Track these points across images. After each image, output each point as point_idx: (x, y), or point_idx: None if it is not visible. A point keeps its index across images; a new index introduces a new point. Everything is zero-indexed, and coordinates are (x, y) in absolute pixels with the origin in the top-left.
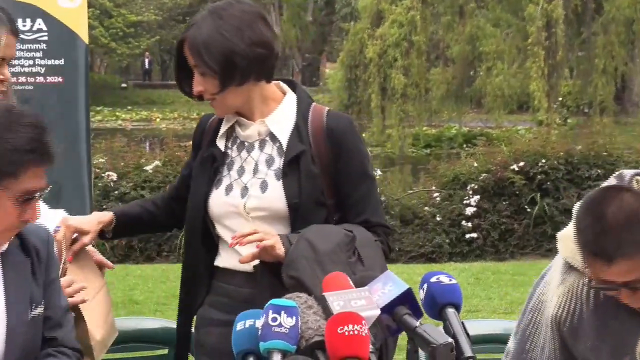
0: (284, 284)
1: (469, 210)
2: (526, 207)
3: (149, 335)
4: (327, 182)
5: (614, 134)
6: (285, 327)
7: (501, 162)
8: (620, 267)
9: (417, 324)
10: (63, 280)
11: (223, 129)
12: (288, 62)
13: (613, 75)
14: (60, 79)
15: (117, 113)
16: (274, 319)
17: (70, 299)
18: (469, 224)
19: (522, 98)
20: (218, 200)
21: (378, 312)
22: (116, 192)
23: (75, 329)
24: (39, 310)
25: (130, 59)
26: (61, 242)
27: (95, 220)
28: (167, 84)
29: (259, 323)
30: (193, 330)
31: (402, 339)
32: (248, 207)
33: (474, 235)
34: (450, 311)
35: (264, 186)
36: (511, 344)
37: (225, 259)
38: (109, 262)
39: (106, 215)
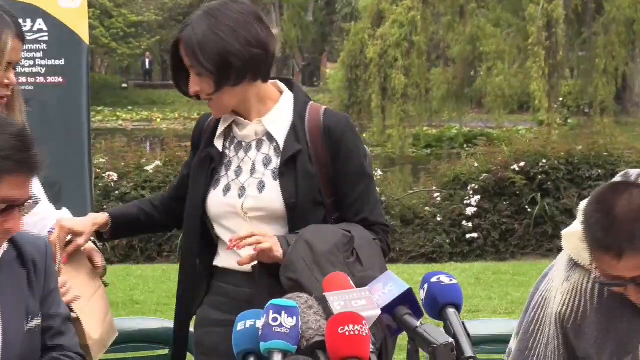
0: (282, 284)
1: (470, 211)
2: (527, 207)
3: (150, 335)
4: (325, 181)
5: (614, 134)
6: (285, 327)
7: (502, 162)
8: (630, 261)
9: (418, 324)
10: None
11: (220, 128)
12: (288, 62)
13: (614, 75)
14: (60, 79)
15: (118, 113)
16: (275, 319)
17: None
18: (470, 224)
19: (522, 98)
20: (216, 201)
21: (379, 312)
22: (117, 192)
23: None
24: (36, 321)
25: (131, 59)
26: (55, 243)
27: (90, 221)
28: (167, 84)
29: (259, 323)
30: (193, 330)
31: (403, 339)
32: (245, 207)
33: (475, 235)
34: (451, 311)
35: (261, 186)
36: (513, 343)
37: (224, 259)
38: (99, 261)
39: (101, 217)
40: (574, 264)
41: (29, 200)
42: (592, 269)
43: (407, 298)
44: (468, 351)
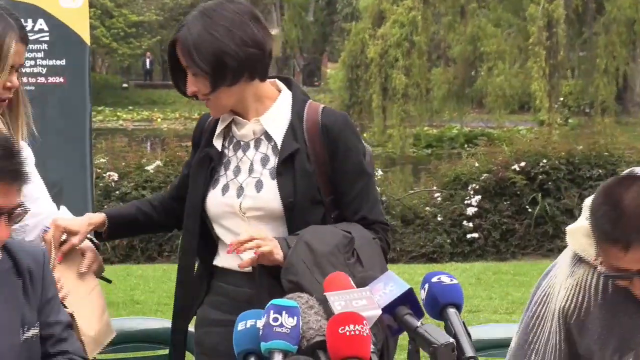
0: (283, 287)
1: (470, 210)
2: (527, 207)
3: (150, 335)
4: (324, 179)
5: (615, 134)
6: (286, 327)
7: (502, 162)
8: (637, 253)
9: (418, 324)
10: None
11: (219, 128)
12: (289, 62)
13: (614, 75)
14: (61, 79)
15: (118, 113)
16: (275, 319)
17: None
18: (470, 224)
19: (523, 98)
20: (215, 201)
21: (379, 312)
22: (117, 192)
23: None
24: (33, 331)
25: (132, 59)
26: (50, 242)
27: (86, 221)
28: (168, 84)
29: (260, 323)
30: (193, 330)
31: (404, 339)
32: (244, 207)
33: (475, 235)
34: (452, 311)
35: (259, 186)
36: (514, 340)
37: (224, 259)
38: (86, 262)
39: (98, 217)
40: (578, 260)
41: (18, 209)
42: (596, 264)
43: (407, 298)
44: (469, 351)
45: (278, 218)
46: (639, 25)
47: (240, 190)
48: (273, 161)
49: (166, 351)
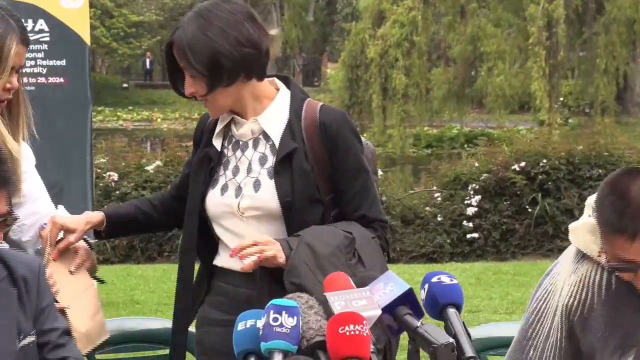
0: (282, 284)
1: (470, 210)
2: (527, 207)
3: (150, 335)
4: (323, 178)
5: (615, 134)
6: (286, 327)
7: (502, 162)
8: None
9: (418, 324)
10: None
11: (219, 128)
12: (289, 62)
13: (614, 75)
14: (62, 80)
15: (118, 113)
16: (275, 319)
17: None
18: (470, 224)
19: (523, 98)
20: (214, 201)
21: (379, 312)
22: (117, 192)
23: None
24: (29, 339)
25: (132, 59)
26: (46, 238)
27: (84, 220)
28: (168, 84)
29: (260, 323)
30: (193, 329)
31: (404, 339)
32: (242, 206)
33: (475, 235)
34: (452, 311)
35: (257, 185)
36: (515, 337)
37: (224, 259)
38: (77, 260)
39: (96, 215)
40: (582, 257)
41: (8, 216)
42: (600, 260)
43: (407, 298)
44: (469, 351)
45: (276, 218)
46: (639, 25)
47: (239, 190)
48: (271, 161)
49: (166, 351)
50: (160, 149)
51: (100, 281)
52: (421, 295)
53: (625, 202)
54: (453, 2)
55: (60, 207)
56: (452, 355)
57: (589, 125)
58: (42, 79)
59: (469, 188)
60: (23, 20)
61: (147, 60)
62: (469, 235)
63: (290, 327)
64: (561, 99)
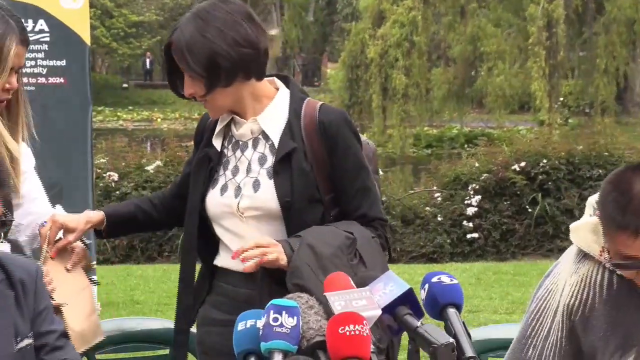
0: (283, 284)
1: (470, 211)
2: (527, 207)
3: (150, 335)
4: (323, 177)
5: (615, 134)
6: (286, 327)
7: (502, 162)
8: None
9: (418, 324)
10: None
11: (218, 128)
12: (289, 62)
13: (614, 75)
14: (62, 80)
15: (119, 113)
16: (275, 319)
17: None
18: (470, 224)
19: (523, 98)
20: (214, 201)
21: (379, 312)
22: (117, 192)
23: None
24: (27, 341)
25: (132, 59)
26: (45, 236)
27: (84, 219)
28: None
29: (260, 323)
30: (194, 329)
31: (404, 339)
32: (241, 206)
33: (475, 235)
34: (452, 311)
35: (256, 185)
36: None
37: (224, 259)
38: (74, 258)
39: (96, 215)
40: (583, 256)
41: (3, 217)
42: (601, 259)
43: (407, 298)
44: (469, 351)
45: (276, 218)
46: (639, 25)
47: (238, 190)
48: (270, 160)
49: (166, 351)
50: (160, 149)
51: (95, 282)
52: (421, 295)
53: (628, 198)
54: (453, 2)
55: (58, 206)
56: (452, 355)
57: (589, 125)
58: (42, 79)
59: (469, 188)
60: (23, 21)
61: (147, 60)
62: (469, 235)
63: (290, 327)
64: (561, 99)
